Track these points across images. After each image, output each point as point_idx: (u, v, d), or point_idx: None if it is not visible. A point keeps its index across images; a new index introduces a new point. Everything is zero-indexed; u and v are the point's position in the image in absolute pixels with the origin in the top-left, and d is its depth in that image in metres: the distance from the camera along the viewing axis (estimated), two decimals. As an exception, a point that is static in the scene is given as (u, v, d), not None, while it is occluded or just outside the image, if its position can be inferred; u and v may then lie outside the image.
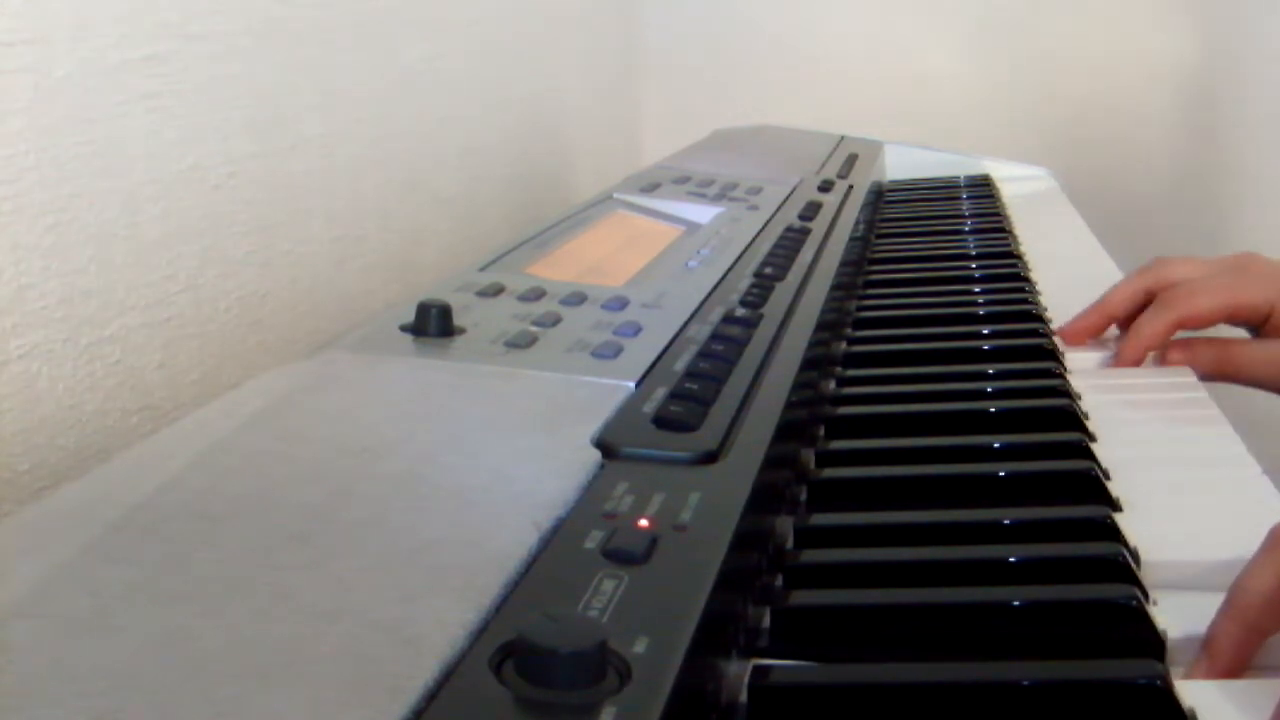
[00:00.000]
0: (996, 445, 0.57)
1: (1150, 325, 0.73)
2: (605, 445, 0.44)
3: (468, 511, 0.38)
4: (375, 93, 0.95)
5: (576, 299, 0.60)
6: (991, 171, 1.30)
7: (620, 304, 0.61)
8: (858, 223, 0.93)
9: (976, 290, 0.83)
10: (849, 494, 0.54)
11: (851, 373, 0.70)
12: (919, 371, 0.69)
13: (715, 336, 0.57)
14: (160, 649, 0.29)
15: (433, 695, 0.28)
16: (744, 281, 0.68)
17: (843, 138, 1.32)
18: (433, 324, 0.54)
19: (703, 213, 0.87)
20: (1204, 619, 0.42)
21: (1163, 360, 0.71)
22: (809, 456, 0.57)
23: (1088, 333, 0.75)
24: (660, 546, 0.36)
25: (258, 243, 0.79)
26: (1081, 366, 0.71)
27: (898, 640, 0.43)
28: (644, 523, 0.38)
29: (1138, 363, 0.72)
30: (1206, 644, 0.40)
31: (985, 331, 0.75)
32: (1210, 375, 0.70)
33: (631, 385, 0.50)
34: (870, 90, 1.72)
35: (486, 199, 1.17)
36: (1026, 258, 0.93)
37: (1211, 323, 0.74)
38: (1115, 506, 0.51)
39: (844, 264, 0.80)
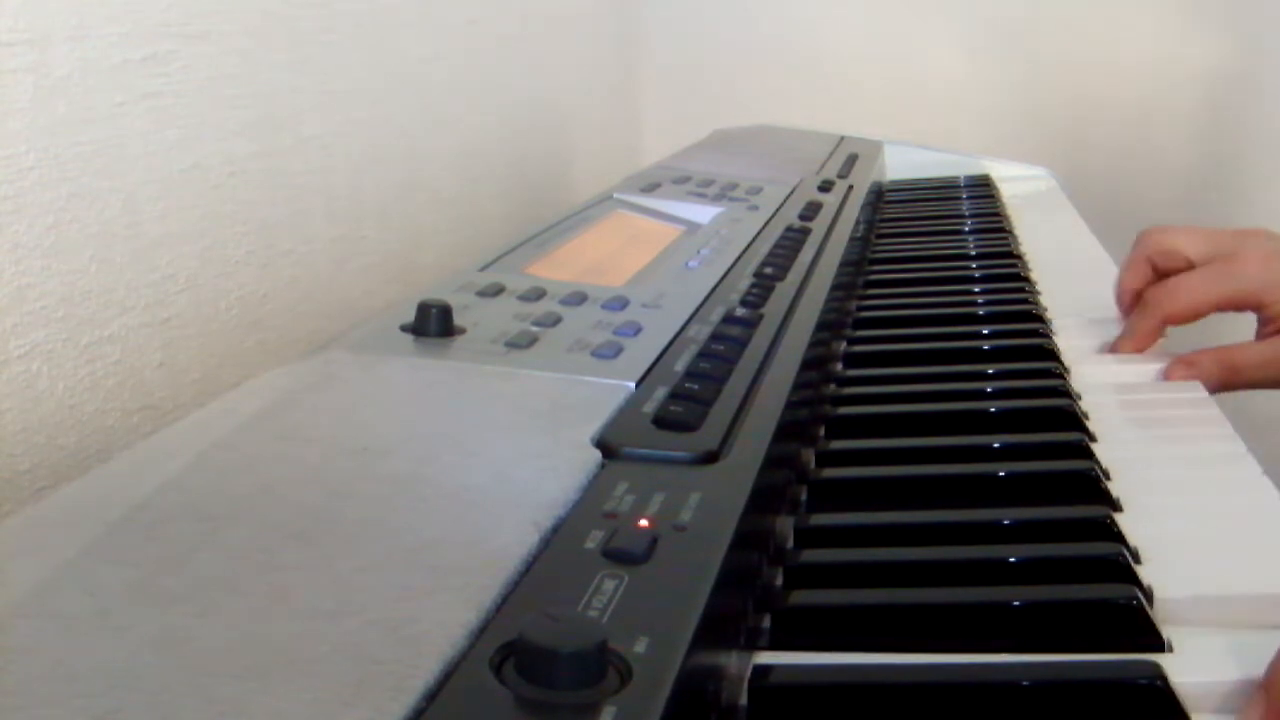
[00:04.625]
0: (996, 445, 0.57)
1: (1140, 326, 0.73)
2: (605, 445, 0.44)
3: (468, 511, 0.38)
4: (375, 93, 0.95)
5: (576, 299, 0.60)
6: (991, 171, 1.30)
7: (620, 304, 0.61)
8: (858, 223, 0.93)
9: (976, 290, 0.83)
10: (849, 494, 0.54)
11: (851, 373, 0.70)
12: (919, 371, 0.69)
13: (715, 336, 0.57)
14: (160, 649, 0.29)
15: (433, 695, 0.28)
16: (744, 281, 0.68)
17: (843, 138, 1.32)
18: (433, 324, 0.54)
19: (703, 213, 0.87)
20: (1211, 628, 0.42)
21: (1168, 377, 0.70)
22: (809, 456, 0.57)
23: (1147, 339, 0.74)
24: (660, 546, 0.36)
25: (258, 243, 0.79)
26: (1083, 366, 0.70)
27: (898, 640, 0.43)
28: (644, 523, 0.38)
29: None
30: None
31: (985, 331, 0.75)
32: (1216, 387, 0.69)
33: (631, 385, 0.50)
34: (870, 90, 1.72)
35: (486, 199, 1.17)
36: (1026, 258, 0.93)
37: (1201, 316, 0.74)
38: (1115, 506, 0.51)
39: (844, 264, 0.80)
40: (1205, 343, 0.72)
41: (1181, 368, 0.70)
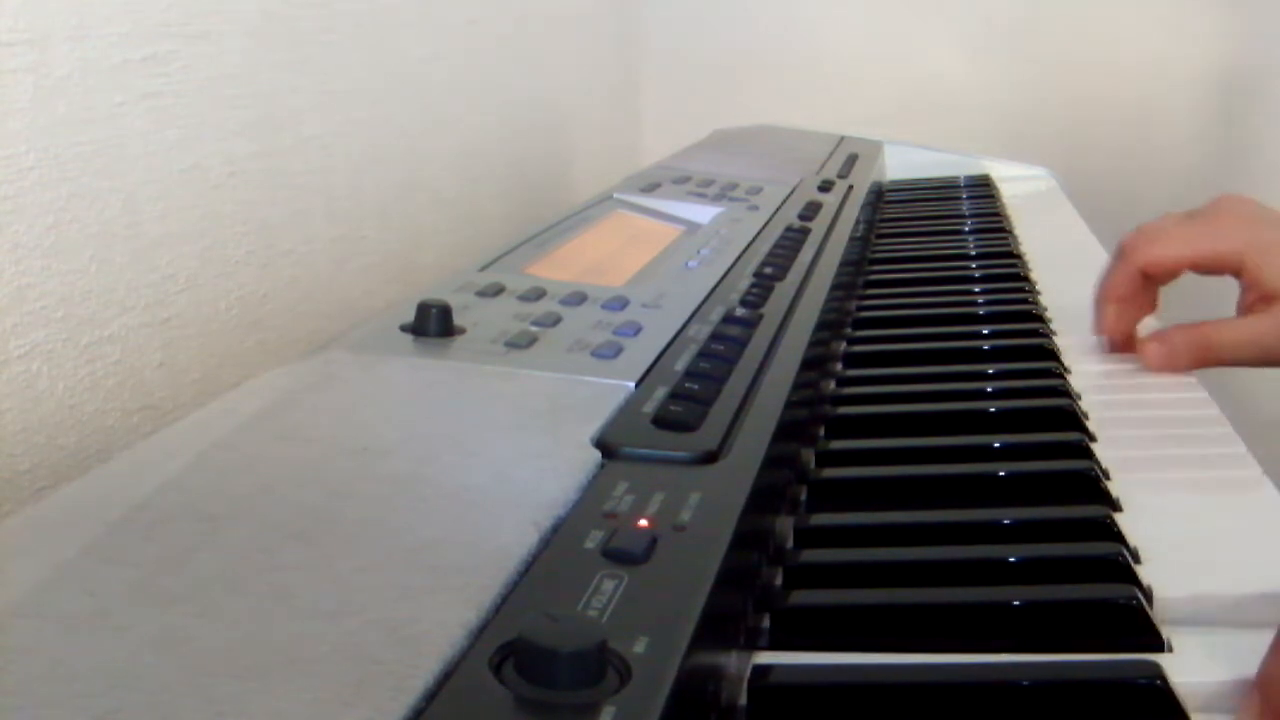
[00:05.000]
0: (996, 445, 0.57)
1: (1112, 276, 0.71)
2: (605, 445, 0.44)
3: (468, 511, 0.38)
4: (375, 93, 0.95)
5: (576, 299, 0.60)
6: (991, 171, 1.30)
7: (620, 304, 0.61)
8: (858, 223, 0.93)
9: (976, 290, 0.83)
10: (849, 494, 0.54)
11: (851, 373, 0.70)
12: (919, 371, 0.69)
13: (715, 336, 0.57)
14: (160, 649, 0.29)
15: (433, 695, 0.28)
16: (744, 281, 0.68)
17: (843, 138, 1.32)
18: (433, 324, 0.54)
19: (703, 213, 0.87)
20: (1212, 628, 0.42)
21: (1140, 354, 0.68)
22: (809, 456, 0.57)
23: (1123, 288, 0.71)
24: (660, 546, 0.36)
25: (258, 243, 0.79)
26: (1083, 366, 0.71)
27: (897, 640, 0.43)
28: (644, 523, 0.38)
29: (1115, 326, 0.71)
30: None
31: (985, 331, 0.75)
32: (1192, 365, 0.67)
33: (631, 385, 0.50)
34: (870, 90, 1.72)
35: (486, 199, 1.18)
36: (1026, 258, 0.93)
37: (1176, 272, 0.70)
38: (1115, 506, 0.51)
39: (844, 264, 0.80)
40: (1187, 314, 0.70)
41: (1155, 345, 0.68)
